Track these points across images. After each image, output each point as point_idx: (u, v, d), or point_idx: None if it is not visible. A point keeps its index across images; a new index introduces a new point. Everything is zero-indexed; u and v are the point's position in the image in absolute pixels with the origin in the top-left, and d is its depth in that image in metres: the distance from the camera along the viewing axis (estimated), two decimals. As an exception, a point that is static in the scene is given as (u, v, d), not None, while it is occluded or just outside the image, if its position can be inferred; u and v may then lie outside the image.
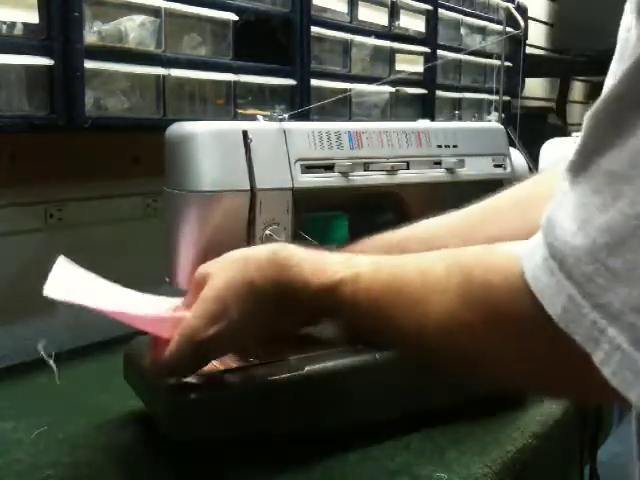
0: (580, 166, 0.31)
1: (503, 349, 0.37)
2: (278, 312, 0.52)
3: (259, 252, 0.54)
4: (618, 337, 0.27)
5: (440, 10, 1.35)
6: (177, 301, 0.58)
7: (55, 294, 0.50)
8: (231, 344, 0.55)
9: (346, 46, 1.13)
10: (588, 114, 0.32)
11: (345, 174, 0.70)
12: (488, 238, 0.58)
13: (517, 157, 0.84)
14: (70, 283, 0.55)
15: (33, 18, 0.71)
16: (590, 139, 0.31)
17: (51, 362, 0.60)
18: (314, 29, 1.04)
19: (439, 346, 0.41)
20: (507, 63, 1.57)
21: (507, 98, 1.56)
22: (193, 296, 0.54)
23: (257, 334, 0.55)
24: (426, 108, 1.34)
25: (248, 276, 0.52)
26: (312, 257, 0.51)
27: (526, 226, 0.61)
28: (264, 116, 0.70)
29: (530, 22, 1.81)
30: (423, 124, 0.81)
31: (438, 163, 0.77)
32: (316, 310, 0.51)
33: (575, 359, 0.30)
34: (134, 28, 0.81)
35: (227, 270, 0.53)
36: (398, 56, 1.25)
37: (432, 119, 1.30)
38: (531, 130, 1.44)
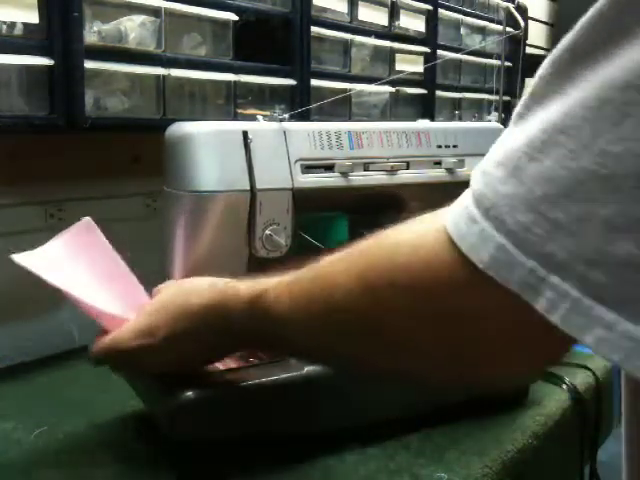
0: (518, 117, 0.30)
1: (417, 317, 0.34)
2: (211, 333, 0.53)
3: (204, 279, 0.56)
4: (563, 285, 0.27)
5: (440, 10, 1.35)
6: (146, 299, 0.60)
7: (22, 260, 0.55)
8: (161, 361, 0.56)
9: (346, 46, 1.13)
10: (541, 66, 0.31)
11: (345, 174, 0.70)
12: None
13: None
14: (52, 255, 0.59)
15: (33, 18, 0.71)
16: (535, 90, 0.30)
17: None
18: (314, 29, 1.04)
19: (346, 322, 0.38)
20: (507, 63, 1.57)
21: (507, 98, 1.56)
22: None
23: (190, 355, 0.56)
24: (426, 108, 1.34)
25: (185, 297, 0.54)
26: (250, 281, 0.51)
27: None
28: (264, 116, 0.70)
29: (530, 22, 1.81)
30: (423, 124, 0.81)
31: (438, 163, 0.77)
32: (247, 325, 0.50)
33: (507, 312, 0.29)
34: (134, 28, 0.81)
35: (169, 289, 0.57)
36: (398, 56, 1.25)
37: (432, 119, 1.30)
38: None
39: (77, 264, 0.61)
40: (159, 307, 0.55)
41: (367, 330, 0.37)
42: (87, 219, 0.61)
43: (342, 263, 0.40)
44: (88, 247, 0.61)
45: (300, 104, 0.99)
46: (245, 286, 0.50)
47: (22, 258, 0.57)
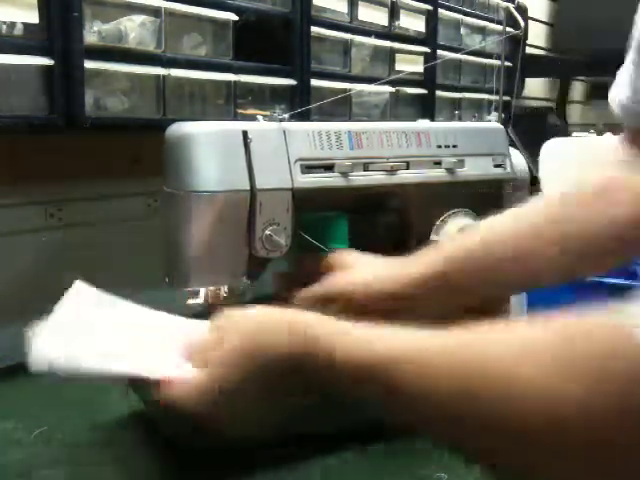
0: None
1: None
2: (286, 386, 0.47)
3: (278, 318, 0.48)
4: None
5: (440, 10, 1.35)
6: (203, 326, 0.55)
7: (41, 365, 0.49)
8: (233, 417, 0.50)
9: (346, 46, 1.13)
10: None
11: (345, 174, 0.70)
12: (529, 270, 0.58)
13: (517, 157, 0.84)
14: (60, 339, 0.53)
15: (33, 18, 0.71)
16: None
17: None
18: (314, 29, 1.04)
19: (566, 440, 0.30)
20: (507, 63, 1.57)
21: (507, 98, 1.56)
22: (202, 350, 0.50)
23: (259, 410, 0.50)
24: (426, 108, 1.34)
25: (262, 353, 0.46)
26: (339, 330, 0.44)
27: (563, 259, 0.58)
28: (264, 116, 0.69)
29: (530, 22, 1.81)
30: (423, 124, 0.81)
31: (438, 163, 0.77)
32: (338, 387, 0.44)
33: None
34: (134, 28, 0.81)
35: (238, 334, 0.48)
36: (398, 56, 1.25)
37: (432, 119, 1.30)
38: (531, 130, 1.44)
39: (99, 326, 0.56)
40: (232, 362, 0.47)
41: (596, 455, 0.30)
42: (76, 283, 0.59)
43: (532, 355, 0.33)
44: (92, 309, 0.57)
45: (300, 104, 0.99)
46: (342, 345, 0.42)
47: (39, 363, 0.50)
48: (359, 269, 0.64)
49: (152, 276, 0.66)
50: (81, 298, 0.57)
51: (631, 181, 0.57)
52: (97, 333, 0.54)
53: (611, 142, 0.63)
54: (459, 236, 0.65)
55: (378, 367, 0.39)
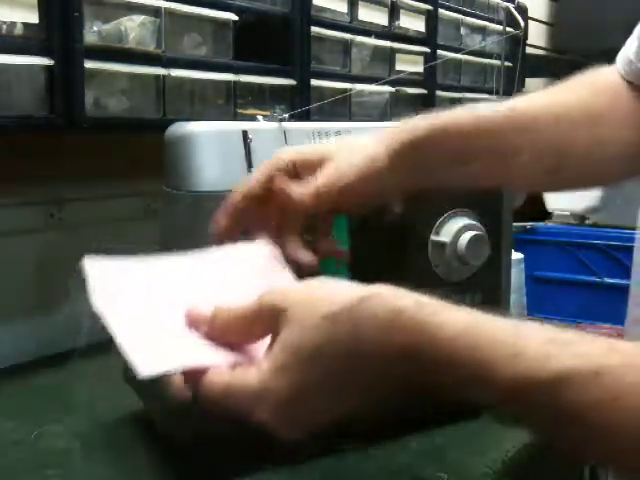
0: None
1: None
2: (395, 388, 0.39)
3: (371, 294, 0.38)
4: None
5: (440, 10, 1.35)
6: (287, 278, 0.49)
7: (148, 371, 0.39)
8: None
9: (346, 46, 1.13)
10: None
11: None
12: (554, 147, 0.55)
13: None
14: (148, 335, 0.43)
15: (33, 18, 0.71)
16: None
17: None
18: (314, 29, 1.04)
19: None
20: (507, 63, 1.57)
21: (507, 98, 1.56)
22: (256, 334, 0.42)
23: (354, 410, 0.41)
24: (426, 108, 1.34)
25: (354, 337, 0.37)
26: (467, 324, 0.36)
27: (593, 143, 0.57)
28: (264, 116, 0.70)
29: (530, 22, 1.81)
30: (423, 124, 0.81)
31: (438, 163, 0.77)
32: (457, 395, 0.37)
33: None
34: (134, 28, 0.81)
35: (312, 319, 0.38)
36: (398, 56, 1.25)
37: (432, 119, 1.29)
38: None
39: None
40: (309, 352, 0.38)
41: None
42: (87, 262, 0.46)
43: None
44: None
45: (300, 104, 0.99)
46: (488, 356, 0.35)
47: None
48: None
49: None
50: (111, 278, 0.47)
51: None
52: (166, 315, 0.45)
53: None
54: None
55: (542, 386, 0.33)
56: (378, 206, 0.63)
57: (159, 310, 0.45)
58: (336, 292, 0.39)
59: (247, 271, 0.50)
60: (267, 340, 0.41)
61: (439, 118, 0.54)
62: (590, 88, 0.59)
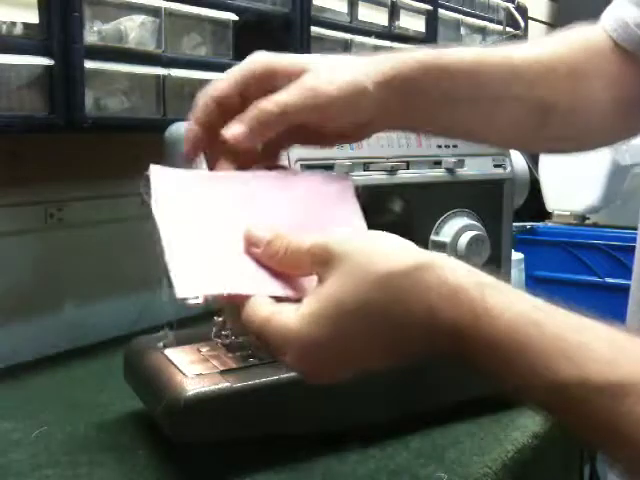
0: None
1: None
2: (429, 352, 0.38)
3: (420, 274, 0.36)
4: None
5: (440, 10, 1.34)
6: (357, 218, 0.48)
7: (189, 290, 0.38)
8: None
9: (346, 46, 1.13)
10: None
11: (345, 174, 0.70)
12: (540, 99, 0.54)
13: (517, 157, 0.84)
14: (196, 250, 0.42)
15: (33, 18, 0.71)
16: None
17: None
18: (314, 29, 1.04)
19: None
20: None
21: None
22: (305, 271, 0.41)
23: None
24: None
25: (404, 302, 0.36)
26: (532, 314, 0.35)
27: (578, 100, 0.56)
28: (264, 116, 0.69)
29: (530, 22, 1.81)
30: (423, 124, 0.81)
31: (438, 163, 0.77)
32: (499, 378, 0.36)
33: None
34: (134, 28, 0.81)
35: (363, 283, 0.37)
36: (398, 56, 1.25)
37: (432, 119, 1.29)
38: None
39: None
40: (351, 308, 0.37)
41: None
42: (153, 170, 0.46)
43: None
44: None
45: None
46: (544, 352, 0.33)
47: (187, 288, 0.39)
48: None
49: (152, 276, 0.66)
50: (176, 189, 0.45)
51: None
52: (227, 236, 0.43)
53: None
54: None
55: (604, 392, 0.32)
56: (378, 206, 0.61)
57: (218, 227, 0.43)
58: (393, 252, 0.38)
59: (317, 201, 0.48)
60: (314, 280, 0.40)
61: (429, 55, 0.51)
62: (580, 45, 0.58)
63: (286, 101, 0.46)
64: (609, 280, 1.25)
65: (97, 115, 0.79)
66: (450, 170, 0.77)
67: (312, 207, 0.47)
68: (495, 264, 0.78)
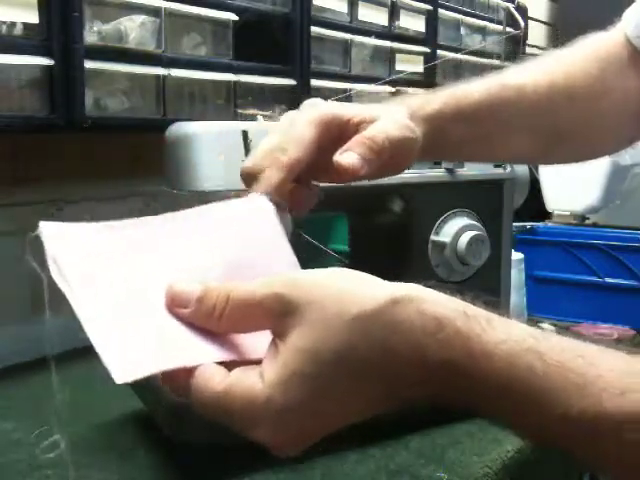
0: None
1: None
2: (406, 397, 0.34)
3: (400, 309, 0.33)
4: None
5: (440, 10, 1.34)
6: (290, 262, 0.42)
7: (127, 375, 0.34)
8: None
9: (346, 46, 1.13)
10: None
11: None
12: (557, 124, 0.56)
13: (517, 157, 0.84)
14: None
15: (33, 18, 0.71)
16: None
17: None
18: (314, 29, 1.04)
19: None
20: (507, 63, 1.57)
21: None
22: (254, 326, 0.35)
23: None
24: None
25: (389, 348, 0.32)
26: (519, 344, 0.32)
27: (595, 118, 0.57)
28: (264, 116, 0.70)
29: (530, 22, 1.81)
30: (423, 124, 0.81)
31: (438, 163, 0.77)
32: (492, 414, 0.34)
33: None
34: (134, 28, 0.81)
35: (341, 328, 0.32)
36: (398, 56, 1.25)
37: (432, 119, 1.29)
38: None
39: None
40: (332, 358, 0.32)
41: None
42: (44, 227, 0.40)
43: None
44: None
45: (300, 104, 0.99)
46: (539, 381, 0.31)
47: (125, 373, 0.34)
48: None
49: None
50: (75, 245, 0.39)
51: None
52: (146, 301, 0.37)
53: None
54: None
55: (604, 425, 0.30)
56: (378, 206, 0.62)
57: (133, 287, 0.37)
58: (362, 290, 0.33)
59: (244, 234, 0.42)
60: (263, 335, 0.35)
61: (455, 98, 0.56)
62: (593, 58, 0.58)
63: (390, 132, 0.47)
64: (609, 280, 1.24)
65: (97, 115, 0.79)
66: (450, 170, 0.77)
67: (234, 243, 0.41)
68: (495, 264, 0.78)
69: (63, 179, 0.89)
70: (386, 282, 0.35)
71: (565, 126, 0.57)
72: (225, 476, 0.57)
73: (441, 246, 0.74)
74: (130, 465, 0.60)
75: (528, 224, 1.44)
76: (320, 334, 0.32)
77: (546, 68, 0.58)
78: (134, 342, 0.35)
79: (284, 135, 0.45)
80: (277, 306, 0.33)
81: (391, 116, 0.50)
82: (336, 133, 0.47)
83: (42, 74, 0.73)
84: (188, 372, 0.34)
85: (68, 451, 0.62)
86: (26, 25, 0.71)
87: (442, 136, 0.54)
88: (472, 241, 0.74)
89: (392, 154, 0.48)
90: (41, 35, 0.72)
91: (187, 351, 0.35)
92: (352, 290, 0.33)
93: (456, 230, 0.74)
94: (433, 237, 0.75)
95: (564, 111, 0.56)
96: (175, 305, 0.36)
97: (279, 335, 0.33)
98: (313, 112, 0.47)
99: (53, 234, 0.39)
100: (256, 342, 0.35)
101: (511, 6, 1.51)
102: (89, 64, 0.76)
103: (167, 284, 0.36)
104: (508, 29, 1.49)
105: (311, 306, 0.33)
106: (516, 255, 0.95)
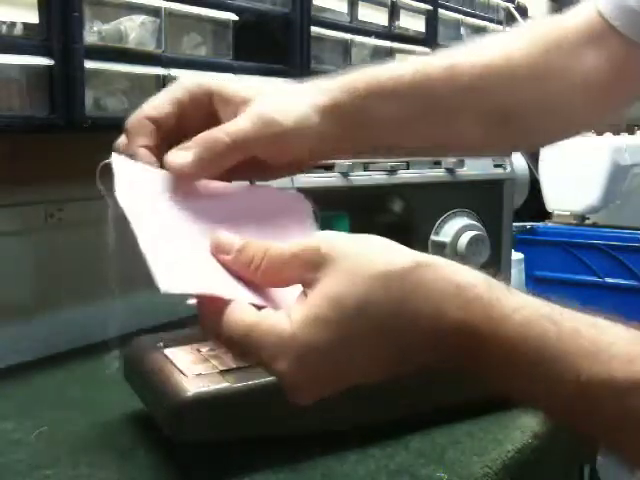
0: None
1: None
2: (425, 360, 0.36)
3: (422, 272, 0.35)
4: None
5: (440, 10, 1.34)
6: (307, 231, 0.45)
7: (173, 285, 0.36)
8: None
9: (346, 46, 1.13)
10: None
11: (345, 174, 0.70)
12: (499, 106, 0.52)
13: (517, 157, 0.84)
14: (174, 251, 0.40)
15: (33, 18, 0.71)
16: None
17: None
18: (314, 29, 1.04)
19: None
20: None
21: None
22: (288, 278, 0.37)
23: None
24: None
25: (409, 307, 0.34)
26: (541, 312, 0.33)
27: (543, 101, 0.53)
28: (264, 116, 0.69)
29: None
30: (423, 124, 0.81)
31: (438, 163, 0.77)
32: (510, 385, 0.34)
33: None
34: (134, 28, 0.81)
35: (366, 282, 0.34)
36: (398, 56, 1.25)
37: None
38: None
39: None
40: (354, 308, 0.34)
41: None
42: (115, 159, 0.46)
43: None
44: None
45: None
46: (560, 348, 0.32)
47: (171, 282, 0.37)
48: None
49: (151, 276, 0.66)
50: (140, 180, 0.44)
51: None
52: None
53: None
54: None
55: (610, 390, 0.31)
56: (378, 206, 0.61)
57: (185, 225, 0.41)
58: (390, 251, 0.36)
59: (277, 218, 0.45)
60: (295, 289, 0.37)
61: (375, 77, 0.49)
62: (539, 38, 0.55)
63: (238, 131, 0.44)
64: (609, 280, 1.25)
65: (97, 115, 0.79)
66: (450, 170, 0.77)
67: (272, 223, 0.45)
68: (495, 264, 0.78)
69: (63, 179, 0.89)
70: (412, 250, 0.37)
71: (510, 108, 0.53)
72: (225, 476, 0.57)
73: (441, 246, 0.74)
74: (130, 465, 0.60)
75: (528, 224, 1.44)
76: (346, 284, 0.34)
77: (482, 49, 0.55)
78: (182, 263, 0.38)
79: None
80: (312, 257, 0.36)
81: (275, 101, 0.46)
82: (206, 102, 0.46)
83: (42, 74, 0.73)
84: (223, 303, 0.36)
85: (68, 451, 0.62)
86: (26, 25, 0.71)
87: (366, 117, 0.49)
88: (472, 241, 0.74)
89: (259, 152, 0.45)
90: (41, 35, 0.72)
91: (226, 285, 0.38)
92: (380, 249, 0.36)
93: (456, 230, 0.74)
94: (433, 237, 0.75)
95: (505, 92, 0.53)
96: (218, 251, 0.39)
97: (310, 284, 0.35)
98: (178, 83, 0.48)
99: (122, 166, 0.45)
100: (288, 295, 0.38)
101: (511, 6, 1.51)
102: (89, 64, 0.76)
103: (213, 233, 0.40)
104: (508, 29, 1.49)
105: (342, 258, 0.35)
106: (516, 255, 0.96)
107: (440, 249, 0.74)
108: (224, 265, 0.39)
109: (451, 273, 0.35)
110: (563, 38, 0.55)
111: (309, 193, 0.68)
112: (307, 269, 0.36)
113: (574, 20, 0.56)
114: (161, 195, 0.43)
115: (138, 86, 0.84)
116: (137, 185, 0.43)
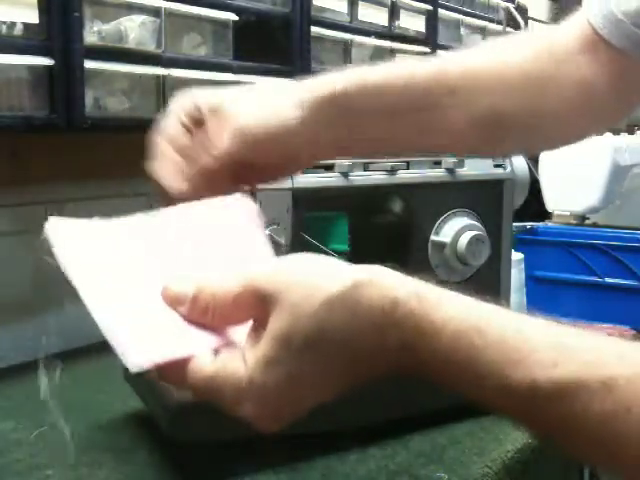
0: None
1: None
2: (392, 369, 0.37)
3: (360, 292, 0.36)
4: None
5: (440, 10, 1.35)
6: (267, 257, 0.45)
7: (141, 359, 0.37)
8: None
9: (346, 46, 1.13)
10: None
11: (345, 174, 0.70)
12: (490, 108, 0.52)
13: (517, 157, 0.84)
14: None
15: (33, 18, 0.71)
16: None
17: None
18: (314, 29, 1.04)
19: None
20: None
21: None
22: (240, 319, 0.39)
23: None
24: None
25: (357, 330, 0.35)
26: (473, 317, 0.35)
27: (535, 106, 0.54)
28: (264, 116, 0.69)
29: (530, 22, 1.81)
30: (423, 124, 0.81)
31: (438, 163, 0.77)
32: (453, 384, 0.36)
33: None
34: (134, 28, 0.81)
35: (308, 315, 0.35)
36: (398, 56, 1.25)
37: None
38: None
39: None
40: (301, 343, 0.35)
41: None
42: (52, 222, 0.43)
43: None
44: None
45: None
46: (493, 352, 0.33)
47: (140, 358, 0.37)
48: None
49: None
50: (79, 241, 0.43)
51: None
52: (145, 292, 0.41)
53: None
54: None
55: (548, 396, 0.32)
56: (378, 206, 0.61)
57: (133, 281, 0.41)
58: (326, 276, 0.37)
59: (226, 230, 0.46)
60: (249, 321, 0.39)
61: (361, 73, 0.50)
62: (533, 47, 0.55)
63: (220, 150, 0.47)
64: (609, 280, 1.24)
65: (97, 115, 0.80)
66: (450, 170, 0.77)
67: (217, 237, 0.45)
68: (495, 264, 0.78)
69: (63, 179, 0.89)
70: (350, 266, 0.38)
71: (501, 111, 0.53)
72: (225, 476, 0.57)
73: (441, 246, 0.74)
74: (130, 465, 0.60)
75: (528, 224, 1.44)
76: (291, 322, 0.35)
77: (474, 53, 0.56)
78: (142, 333, 0.38)
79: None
80: (252, 300, 0.37)
81: (249, 109, 0.48)
82: (197, 117, 0.51)
83: (42, 74, 0.73)
84: (184, 361, 0.38)
85: (67, 451, 0.62)
86: (26, 25, 0.71)
87: (348, 110, 0.49)
88: (472, 241, 0.74)
89: (249, 157, 0.47)
90: (41, 35, 0.72)
91: (186, 341, 0.39)
92: (316, 276, 0.37)
93: (456, 230, 0.74)
94: (433, 237, 0.75)
95: (496, 95, 0.53)
96: (172, 303, 0.40)
97: (260, 322, 0.37)
98: (177, 101, 0.53)
99: (58, 231, 0.43)
100: (239, 328, 0.40)
101: (511, 6, 1.51)
102: (89, 64, 0.76)
103: (163, 283, 0.40)
104: (508, 29, 1.49)
105: (282, 295, 0.36)
106: (516, 255, 0.95)
107: (440, 249, 0.74)
108: (179, 315, 0.40)
109: (388, 288, 0.36)
110: (556, 46, 0.55)
111: (309, 193, 0.69)
112: (255, 309, 0.37)
113: (568, 29, 0.56)
114: (104, 246, 0.43)
115: (138, 86, 0.85)
116: (77, 247, 0.43)
